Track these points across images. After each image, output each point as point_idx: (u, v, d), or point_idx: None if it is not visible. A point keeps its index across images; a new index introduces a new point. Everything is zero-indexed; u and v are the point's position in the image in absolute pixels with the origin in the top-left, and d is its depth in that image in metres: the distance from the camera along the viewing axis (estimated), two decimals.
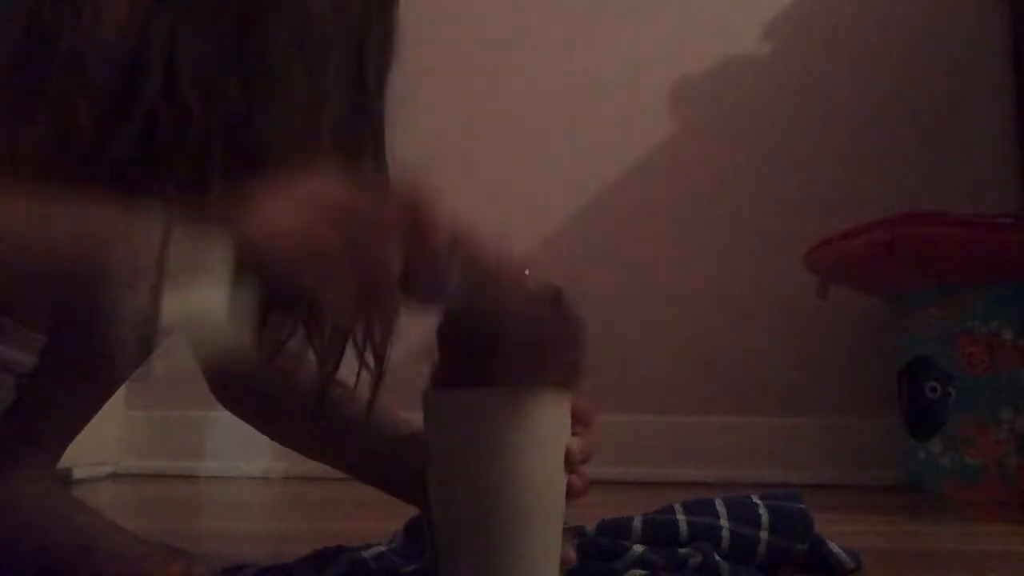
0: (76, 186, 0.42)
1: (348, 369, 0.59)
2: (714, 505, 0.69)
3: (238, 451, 1.56)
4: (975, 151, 1.56)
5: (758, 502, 0.69)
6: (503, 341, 0.48)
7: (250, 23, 0.50)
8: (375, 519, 0.78)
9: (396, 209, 0.43)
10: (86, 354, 0.62)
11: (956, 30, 1.59)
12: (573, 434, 0.51)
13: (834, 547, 0.68)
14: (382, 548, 0.67)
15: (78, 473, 1.42)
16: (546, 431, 0.50)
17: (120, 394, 0.83)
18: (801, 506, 0.70)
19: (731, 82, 1.65)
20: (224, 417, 0.74)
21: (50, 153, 0.47)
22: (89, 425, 0.72)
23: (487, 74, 1.70)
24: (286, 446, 0.76)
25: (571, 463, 0.50)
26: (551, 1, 1.72)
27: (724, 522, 0.67)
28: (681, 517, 0.68)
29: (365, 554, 0.65)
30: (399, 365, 0.58)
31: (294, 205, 0.42)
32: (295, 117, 0.51)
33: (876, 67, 1.61)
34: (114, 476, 1.56)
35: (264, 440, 0.75)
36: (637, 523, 0.68)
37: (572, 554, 0.56)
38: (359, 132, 0.56)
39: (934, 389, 1.29)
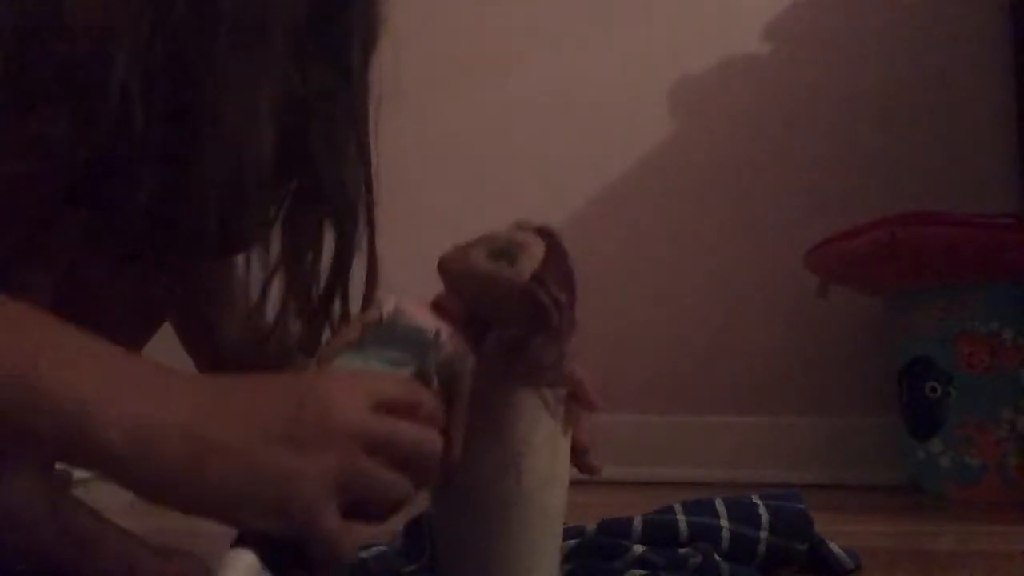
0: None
1: None
2: (714, 505, 0.69)
3: None
4: (975, 151, 1.56)
5: (758, 502, 0.69)
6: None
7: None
8: None
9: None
10: None
11: (956, 30, 1.59)
12: (578, 419, 0.51)
13: (834, 547, 0.68)
14: (382, 548, 0.67)
15: (78, 473, 1.42)
16: (546, 429, 0.50)
17: None
18: (801, 506, 0.70)
19: (731, 82, 1.65)
20: None
21: (12, 161, 0.46)
22: None
23: (486, 74, 1.70)
24: None
25: (579, 454, 0.50)
26: (551, 1, 1.72)
27: (724, 522, 0.67)
28: (681, 517, 0.68)
29: (365, 554, 0.65)
30: None
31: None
32: (237, 92, 0.50)
33: (876, 67, 1.61)
34: None
35: None
36: (637, 523, 0.68)
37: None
38: (341, 112, 0.56)
39: (934, 389, 1.29)
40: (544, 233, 0.51)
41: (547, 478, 0.50)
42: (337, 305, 0.58)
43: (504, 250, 0.50)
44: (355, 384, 0.45)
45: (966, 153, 1.56)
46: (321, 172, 0.55)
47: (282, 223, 0.56)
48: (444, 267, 0.51)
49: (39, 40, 0.44)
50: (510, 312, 0.49)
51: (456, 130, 1.69)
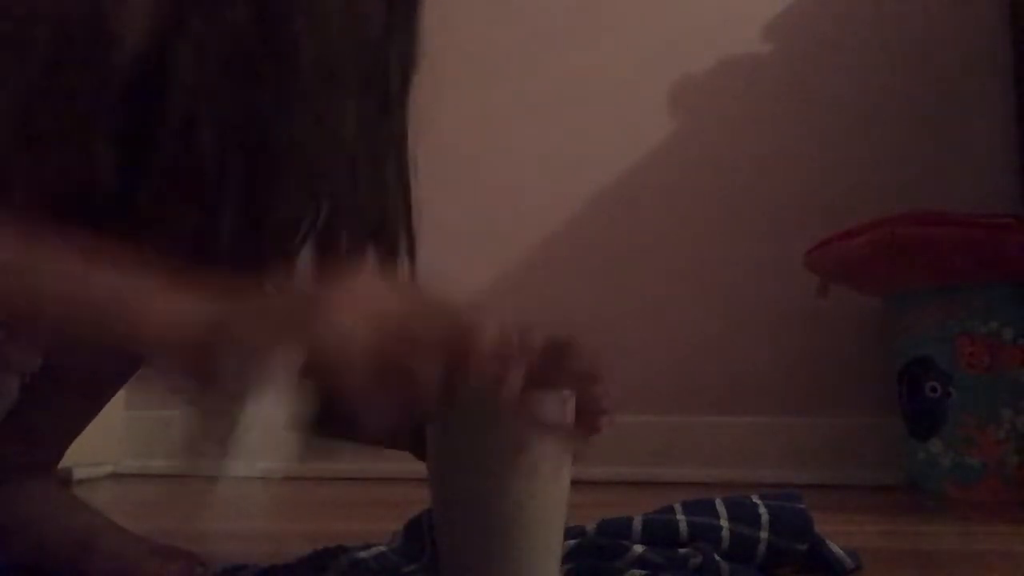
0: (95, 228, 0.42)
1: None
2: (714, 505, 0.69)
3: (238, 451, 1.56)
4: (975, 151, 1.56)
5: (758, 502, 0.69)
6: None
7: (270, 36, 0.48)
8: (375, 519, 0.78)
9: (447, 329, 0.44)
10: (88, 360, 0.62)
11: (956, 30, 1.59)
12: (578, 396, 0.51)
13: (834, 547, 0.68)
14: (382, 548, 0.67)
15: (78, 473, 1.42)
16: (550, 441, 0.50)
17: (120, 394, 0.83)
18: (801, 506, 0.70)
19: (731, 82, 1.65)
20: None
21: (62, 187, 0.47)
22: (89, 425, 0.72)
23: (486, 74, 1.70)
24: None
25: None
26: (551, 1, 1.72)
27: (724, 522, 0.67)
28: (681, 517, 0.68)
29: (365, 554, 0.65)
30: None
31: (364, 318, 0.42)
32: (317, 128, 0.51)
33: (876, 67, 1.61)
34: (114, 476, 1.56)
35: (264, 440, 0.75)
36: (637, 523, 0.68)
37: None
38: (382, 139, 0.57)
39: (934, 389, 1.29)
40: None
41: (548, 477, 0.50)
42: None
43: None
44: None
45: (966, 153, 1.56)
46: (362, 199, 0.55)
47: (321, 248, 0.56)
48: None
49: (88, 59, 0.45)
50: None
51: (456, 130, 1.68)
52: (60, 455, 0.71)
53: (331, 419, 0.43)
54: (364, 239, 0.57)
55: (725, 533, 0.66)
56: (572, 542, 0.64)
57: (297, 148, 0.50)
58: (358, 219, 0.56)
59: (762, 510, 0.68)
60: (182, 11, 0.46)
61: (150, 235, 0.47)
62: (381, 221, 0.57)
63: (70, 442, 0.71)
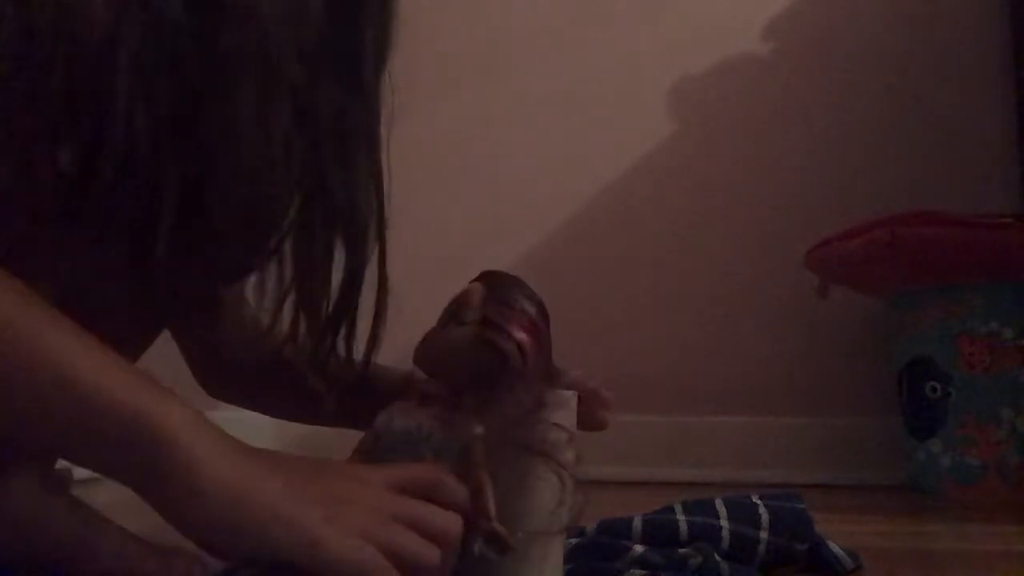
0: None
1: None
2: (714, 505, 0.69)
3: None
4: (975, 151, 1.56)
5: (758, 502, 0.69)
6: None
7: (201, 22, 0.47)
8: None
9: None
10: None
11: (956, 30, 1.59)
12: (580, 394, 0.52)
13: (834, 547, 0.68)
14: None
15: (78, 473, 1.42)
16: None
17: None
18: (801, 506, 0.70)
19: (731, 82, 1.65)
20: (224, 417, 0.74)
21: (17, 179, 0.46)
22: None
23: (486, 74, 1.70)
24: (275, 416, 0.81)
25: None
26: (551, 1, 1.72)
27: (724, 522, 0.67)
28: (681, 517, 0.68)
29: None
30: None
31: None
32: (281, 110, 0.50)
33: (876, 67, 1.61)
34: None
35: (264, 440, 0.76)
36: (637, 523, 0.68)
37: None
38: (354, 122, 0.56)
39: (934, 389, 1.29)
40: (482, 276, 0.51)
41: (549, 477, 0.50)
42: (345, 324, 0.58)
43: (449, 312, 0.50)
44: (372, 470, 0.47)
45: (966, 153, 1.56)
46: (333, 188, 0.55)
47: (293, 240, 0.56)
48: (415, 357, 0.52)
49: (41, 47, 0.44)
50: (477, 367, 0.49)
51: (456, 130, 1.69)
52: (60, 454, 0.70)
53: None
54: (335, 225, 0.56)
55: (725, 533, 0.66)
56: (572, 542, 0.64)
57: (231, 139, 0.48)
58: (330, 210, 0.56)
59: (762, 510, 0.68)
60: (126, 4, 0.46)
61: (92, 231, 0.47)
62: (352, 206, 0.56)
63: None
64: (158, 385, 0.43)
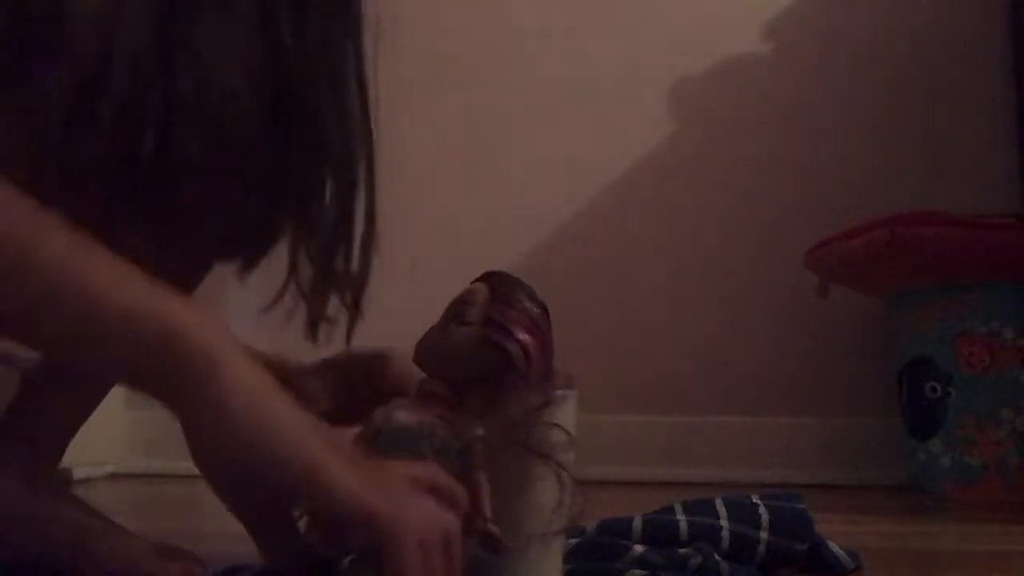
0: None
1: None
2: (714, 505, 0.69)
3: None
4: (975, 151, 1.56)
5: (758, 502, 0.69)
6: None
7: None
8: None
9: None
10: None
11: (956, 30, 1.59)
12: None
13: (834, 547, 0.68)
14: None
15: (78, 473, 1.42)
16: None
17: (120, 394, 0.83)
18: (801, 506, 0.70)
19: (731, 82, 1.65)
20: None
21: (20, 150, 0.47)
22: (89, 425, 0.71)
23: (486, 73, 1.69)
24: None
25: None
26: (551, 1, 1.72)
27: (724, 522, 0.67)
28: (681, 517, 0.68)
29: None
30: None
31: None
32: (238, 32, 0.51)
33: (876, 67, 1.61)
34: (114, 476, 1.56)
35: None
36: (637, 523, 0.68)
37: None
38: (344, 60, 0.56)
39: (934, 389, 1.29)
40: (485, 276, 0.51)
41: (549, 476, 0.50)
42: (340, 263, 0.58)
43: (452, 312, 0.50)
44: (379, 465, 0.47)
45: (966, 153, 1.56)
46: (324, 120, 0.55)
47: (284, 178, 0.56)
48: (415, 356, 0.52)
49: None
50: (480, 367, 0.49)
51: (456, 130, 1.69)
52: (60, 453, 0.70)
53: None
54: (323, 167, 0.56)
55: (725, 533, 0.66)
56: (572, 542, 0.64)
57: (191, 56, 0.49)
58: (321, 145, 0.56)
59: (762, 510, 0.68)
60: None
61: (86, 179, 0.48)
62: (343, 146, 0.56)
63: (69, 439, 0.70)
64: (192, 300, 0.44)
